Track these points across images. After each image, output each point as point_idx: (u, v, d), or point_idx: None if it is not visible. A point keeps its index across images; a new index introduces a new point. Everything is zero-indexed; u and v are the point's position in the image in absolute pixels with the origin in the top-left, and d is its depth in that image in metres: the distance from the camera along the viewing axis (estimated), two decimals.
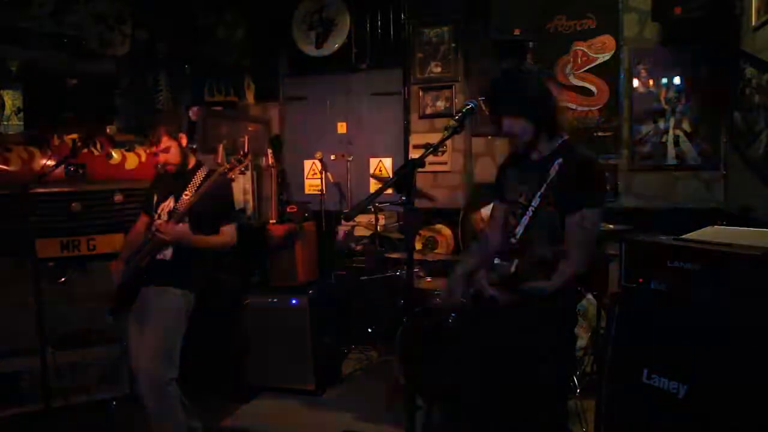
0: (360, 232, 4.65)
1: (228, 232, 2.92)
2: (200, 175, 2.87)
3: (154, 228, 2.80)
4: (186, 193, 2.81)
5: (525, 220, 2.04)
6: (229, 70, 5.22)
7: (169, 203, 2.88)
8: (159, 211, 2.91)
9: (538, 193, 2.01)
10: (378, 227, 4.14)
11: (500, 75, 2.13)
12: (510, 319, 2.01)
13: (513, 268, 1.81)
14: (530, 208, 2.03)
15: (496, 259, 2.03)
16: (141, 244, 2.89)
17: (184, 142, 2.93)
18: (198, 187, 2.79)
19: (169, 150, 2.86)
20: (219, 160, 4.67)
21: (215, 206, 2.86)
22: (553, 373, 2.10)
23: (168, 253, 2.83)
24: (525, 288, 1.85)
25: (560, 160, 1.99)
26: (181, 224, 2.76)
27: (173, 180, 2.92)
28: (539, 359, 2.04)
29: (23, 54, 3.95)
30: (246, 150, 2.82)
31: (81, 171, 3.48)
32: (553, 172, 1.98)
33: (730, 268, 1.97)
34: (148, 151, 2.93)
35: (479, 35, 4.55)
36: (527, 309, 1.98)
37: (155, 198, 2.97)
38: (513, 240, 2.04)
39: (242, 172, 2.82)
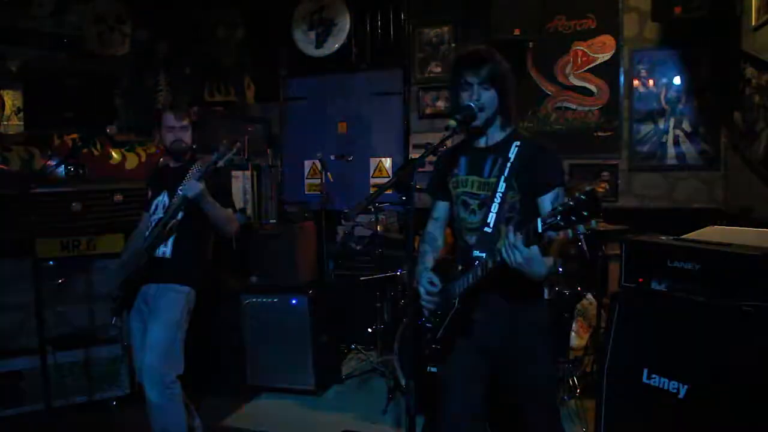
0: (360, 232, 4.64)
1: (231, 214, 2.93)
2: (195, 168, 2.85)
3: (151, 222, 2.80)
4: (181, 188, 2.80)
5: (495, 207, 1.98)
6: (229, 70, 5.22)
7: (163, 199, 2.88)
8: (154, 207, 2.91)
9: (503, 177, 1.98)
10: (378, 227, 4.13)
11: (478, 47, 2.08)
12: (498, 317, 1.99)
13: (522, 241, 1.72)
14: (498, 194, 1.98)
15: (475, 251, 1.99)
16: (146, 237, 2.88)
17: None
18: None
19: (188, 130, 2.91)
20: None
21: (214, 194, 2.84)
22: (546, 358, 2.11)
23: (167, 250, 2.83)
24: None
25: (518, 143, 1.99)
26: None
27: (167, 175, 2.92)
28: (534, 351, 2.03)
29: (23, 54, 3.95)
30: (239, 143, 2.82)
31: (81, 171, 3.48)
32: (513, 155, 1.97)
33: (730, 268, 1.97)
34: (163, 127, 2.91)
35: (479, 35, 4.55)
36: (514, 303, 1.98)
37: (149, 194, 2.98)
38: (488, 230, 1.98)
39: (232, 160, 2.79)
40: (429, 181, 2.29)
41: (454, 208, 2.16)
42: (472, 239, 2.05)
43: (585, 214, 1.54)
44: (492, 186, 2.00)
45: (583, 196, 1.54)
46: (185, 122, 2.90)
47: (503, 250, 1.78)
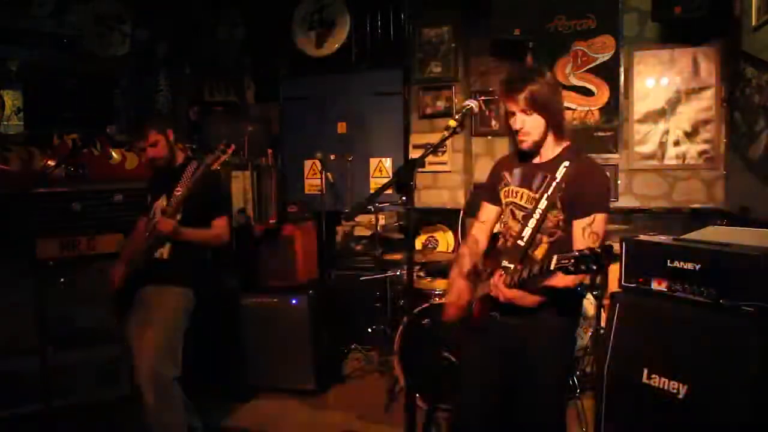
0: (360, 232, 4.64)
1: (220, 224, 2.91)
2: (190, 170, 2.86)
3: (151, 225, 2.81)
4: (177, 189, 2.81)
5: (532, 222, 2.02)
6: (229, 70, 5.22)
7: (162, 201, 2.89)
8: (153, 210, 2.92)
9: (546, 195, 2.01)
10: (378, 227, 4.14)
11: (518, 69, 2.12)
12: (520, 320, 2.02)
13: (537, 270, 1.80)
14: (537, 210, 2.02)
15: (504, 262, 2.04)
16: (142, 244, 2.89)
17: (171, 136, 2.94)
18: (188, 182, 2.79)
19: (157, 144, 2.88)
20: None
21: (205, 199, 2.85)
22: (556, 374, 2.13)
23: (165, 252, 2.84)
24: (549, 287, 1.90)
25: (567, 162, 2.02)
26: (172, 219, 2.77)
27: (165, 178, 2.92)
28: (546, 359, 2.06)
29: (23, 54, 3.95)
30: (229, 141, 2.81)
31: (81, 171, 3.48)
32: (560, 174, 2.00)
33: (730, 268, 1.97)
34: (136, 149, 2.96)
35: (479, 35, 4.55)
36: (537, 310, 2.00)
37: (149, 198, 2.99)
38: (521, 243, 2.03)
39: (227, 163, 2.81)
40: (484, 184, 2.36)
41: (503, 215, 2.20)
42: (507, 246, 2.11)
43: (594, 267, 1.59)
44: (536, 201, 2.04)
45: (599, 249, 1.59)
46: (151, 139, 2.87)
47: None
